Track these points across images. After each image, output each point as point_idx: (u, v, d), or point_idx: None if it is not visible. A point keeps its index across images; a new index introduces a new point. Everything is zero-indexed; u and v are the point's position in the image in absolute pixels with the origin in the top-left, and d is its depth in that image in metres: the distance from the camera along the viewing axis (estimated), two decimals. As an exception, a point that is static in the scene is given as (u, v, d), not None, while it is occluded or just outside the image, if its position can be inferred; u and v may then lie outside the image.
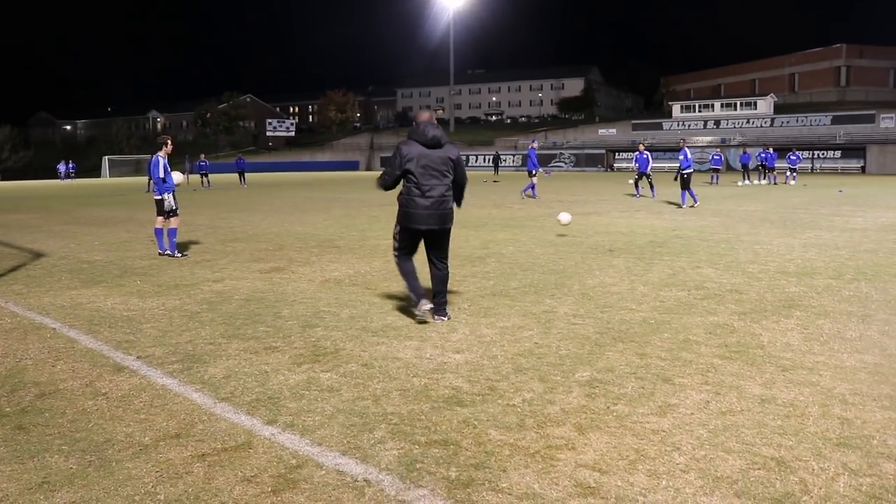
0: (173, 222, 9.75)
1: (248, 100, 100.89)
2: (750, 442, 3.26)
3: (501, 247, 10.28)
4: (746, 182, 31.38)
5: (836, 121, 56.86)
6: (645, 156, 21.64)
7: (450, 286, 6.17)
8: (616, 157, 62.56)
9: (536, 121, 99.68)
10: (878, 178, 39.13)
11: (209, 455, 3.20)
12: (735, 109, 66.78)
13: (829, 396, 3.86)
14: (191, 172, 36.16)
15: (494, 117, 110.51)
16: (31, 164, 73.96)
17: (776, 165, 32.10)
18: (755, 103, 67.17)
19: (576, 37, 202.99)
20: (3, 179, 59.31)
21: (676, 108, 70.89)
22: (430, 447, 3.25)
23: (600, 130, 70.40)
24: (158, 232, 9.89)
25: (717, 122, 63.79)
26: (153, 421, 3.63)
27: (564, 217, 12.02)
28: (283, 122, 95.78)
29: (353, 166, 75.96)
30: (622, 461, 3.08)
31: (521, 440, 3.32)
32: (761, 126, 60.57)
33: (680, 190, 17.64)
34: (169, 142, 9.82)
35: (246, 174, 36.20)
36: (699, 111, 68.73)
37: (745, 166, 33.25)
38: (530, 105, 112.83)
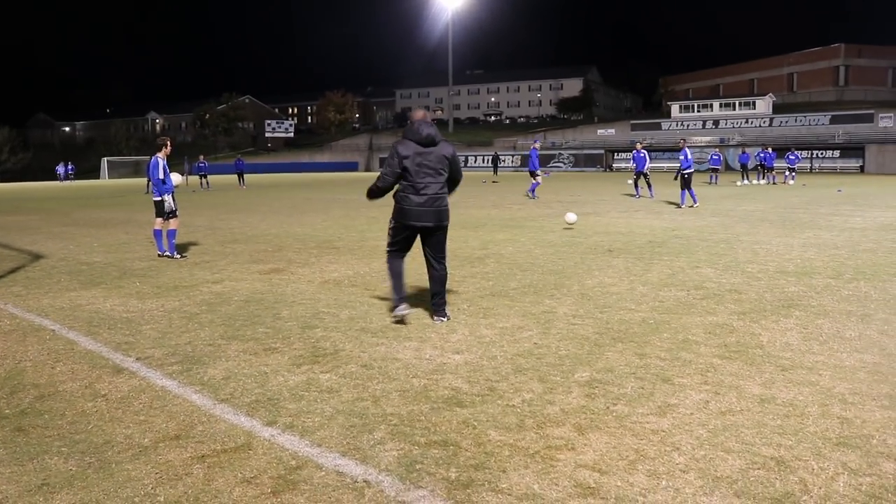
0: (172, 224, 9.75)
1: (247, 101, 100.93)
2: (749, 442, 3.26)
3: (500, 247, 10.29)
4: (745, 182, 31.40)
5: (834, 120, 56.93)
6: (642, 155, 21.71)
7: (449, 287, 6.18)
8: (615, 157, 62.60)
9: (535, 121, 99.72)
10: (876, 178, 39.17)
11: (209, 456, 3.20)
12: (734, 109, 66.85)
13: (828, 396, 3.86)
14: (190, 174, 36.15)
15: (493, 118, 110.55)
16: (29, 165, 73.92)
17: (775, 165, 32.16)
18: (754, 103, 67.25)
19: (574, 37, 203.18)
20: (2, 181, 59.28)
21: (675, 108, 70.97)
22: (430, 448, 3.25)
23: (599, 131, 70.46)
24: (157, 233, 9.88)
25: (716, 122, 63.84)
26: (153, 422, 3.63)
27: (571, 217, 12.91)
28: (282, 123, 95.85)
29: (352, 167, 76.00)
30: (622, 461, 3.08)
31: (520, 441, 3.32)
32: (760, 126, 60.63)
33: (680, 190, 17.66)
34: (168, 143, 9.83)
35: (245, 175, 36.22)
36: (698, 111, 68.79)
37: (743, 166, 33.28)
38: (529, 105, 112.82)
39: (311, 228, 13.62)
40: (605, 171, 60.07)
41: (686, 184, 17.47)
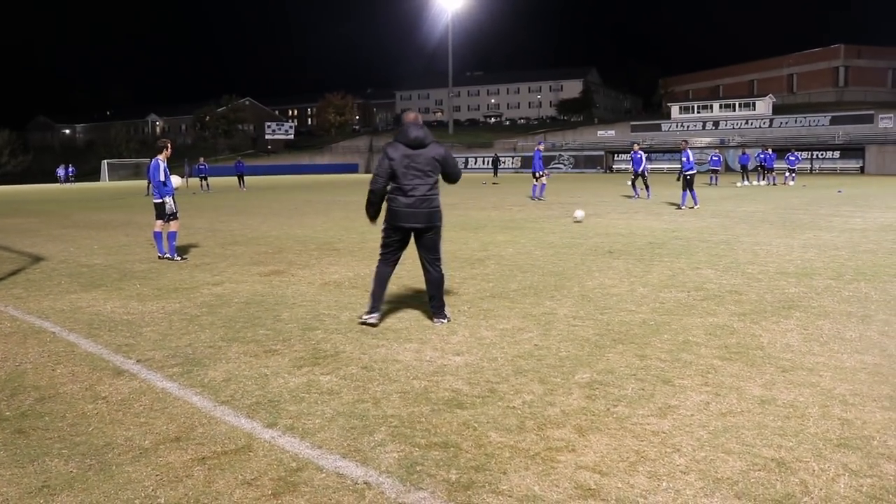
0: (173, 226, 9.75)
1: (247, 103, 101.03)
2: (750, 443, 3.26)
3: (501, 248, 10.29)
4: (745, 183, 31.39)
5: (834, 121, 56.91)
6: (639, 155, 21.79)
7: (450, 288, 6.18)
8: (615, 158, 62.60)
9: (535, 122, 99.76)
10: (876, 179, 39.17)
11: (209, 458, 3.20)
12: (734, 110, 66.85)
13: (829, 397, 3.86)
14: (190, 176, 36.18)
15: (493, 119, 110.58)
16: (30, 168, 73.95)
17: (775, 166, 32.13)
18: (754, 104, 67.26)
19: (574, 38, 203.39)
20: (2, 184, 59.25)
21: (675, 110, 70.98)
22: (431, 449, 3.25)
23: (599, 132, 70.42)
24: (158, 235, 9.89)
25: (716, 123, 63.83)
26: (153, 424, 3.63)
27: (579, 214, 14.13)
28: (282, 125, 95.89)
29: (352, 169, 75.97)
30: (622, 463, 3.08)
31: (521, 442, 3.32)
32: (760, 127, 60.63)
33: (681, 191, 17.66)
34: (169, 146, 9.84)
35: (245, 177, 36.24)
36: (698, 112, 68.79)
37: (744, 167, 33.25)
38: (529, 107, 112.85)
39: (311, 230, 13.62)
40: (606, 172, 60.06)
41: (688, 185, 17.46)
